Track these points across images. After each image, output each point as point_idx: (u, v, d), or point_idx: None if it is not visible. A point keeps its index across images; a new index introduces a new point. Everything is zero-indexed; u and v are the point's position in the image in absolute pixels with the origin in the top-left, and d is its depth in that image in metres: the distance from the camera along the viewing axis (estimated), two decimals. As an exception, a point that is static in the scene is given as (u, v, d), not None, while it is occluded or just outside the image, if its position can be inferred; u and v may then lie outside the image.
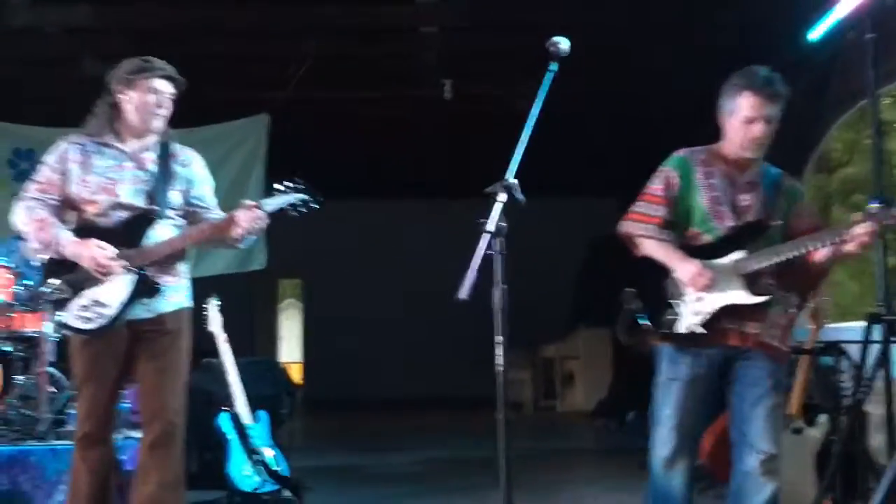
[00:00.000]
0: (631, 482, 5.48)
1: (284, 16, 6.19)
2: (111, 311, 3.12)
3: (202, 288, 4.91)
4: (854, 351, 3.90)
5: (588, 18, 6.08)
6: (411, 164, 9.75)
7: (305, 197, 3.13)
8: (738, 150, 2.99)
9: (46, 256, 3.19)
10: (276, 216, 3.19)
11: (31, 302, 4.70)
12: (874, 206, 2.88)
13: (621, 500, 4.89)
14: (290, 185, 3.13)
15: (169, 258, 3.21)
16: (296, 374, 12.33)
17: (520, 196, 2.32)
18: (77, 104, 3.37)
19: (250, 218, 3.08)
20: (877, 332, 3.62)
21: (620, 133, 8.62)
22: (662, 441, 2.96)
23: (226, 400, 4.61)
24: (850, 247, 2.78)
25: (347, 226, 11.46)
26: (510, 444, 2.35)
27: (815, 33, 5.64)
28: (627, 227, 3.10)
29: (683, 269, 2.92)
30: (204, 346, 4.81)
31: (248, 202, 3.12)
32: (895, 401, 3.67)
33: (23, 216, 3.18)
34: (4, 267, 4.67)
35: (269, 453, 4.57)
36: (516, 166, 2.37)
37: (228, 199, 3.39)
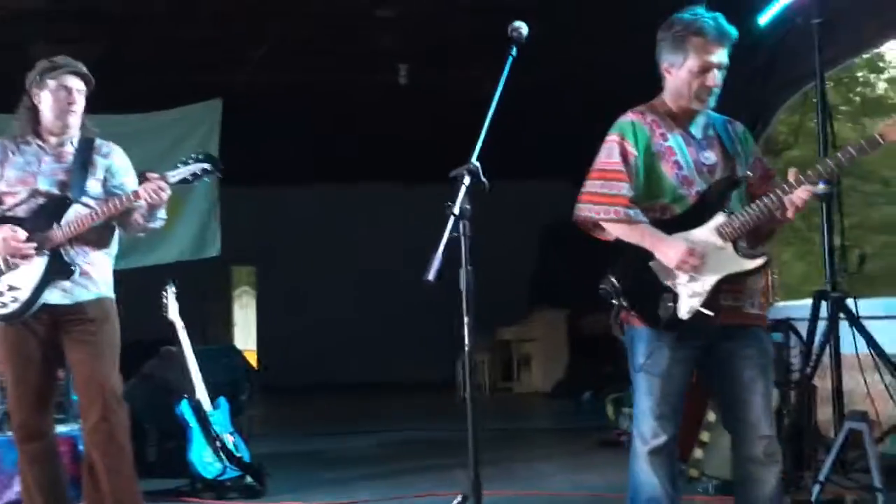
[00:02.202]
0: (590, 459, 5.61)
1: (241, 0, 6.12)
2: (25, 294, 3.21)
3: (158, 276, 4.89)
4: (802, 327, 4.02)
5: (538, 2, 6.10)
6: (366, 149, 9.72)
7: (206, 166, 3.27)
8: (687, 103, 2.69)
9: None
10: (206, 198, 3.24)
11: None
12: (822, 186, 2.70)
13: (582, 478, 4.98)
14: (193, 156, 3.29)
15: (84, 240, 3.28)
16: (252, 360, 12.26)
17: (483, 180, 2.35)
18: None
19: (152, 189, 3.18)
20: (823, 309, 3.77)
21: (570, 116, 8.70)
22: (647, 433, 2.70)
23: (186, 387, 4.59)
24: (788, 212, 2.60)
25: (301, 212, 11.41)
26: (477, 424, 2.39)
27: (764, 18, 5.76)
28: (586, 210, 2.72)
29: (668, 252, 2.60)
30: (162, 334, 4.79)
31: (153, 175, 3.23)
32: (842, 375, 3.83)
33: None
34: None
35: (230, 440, 4.57)
36: (479, 150, 2.40)
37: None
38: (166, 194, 3.20)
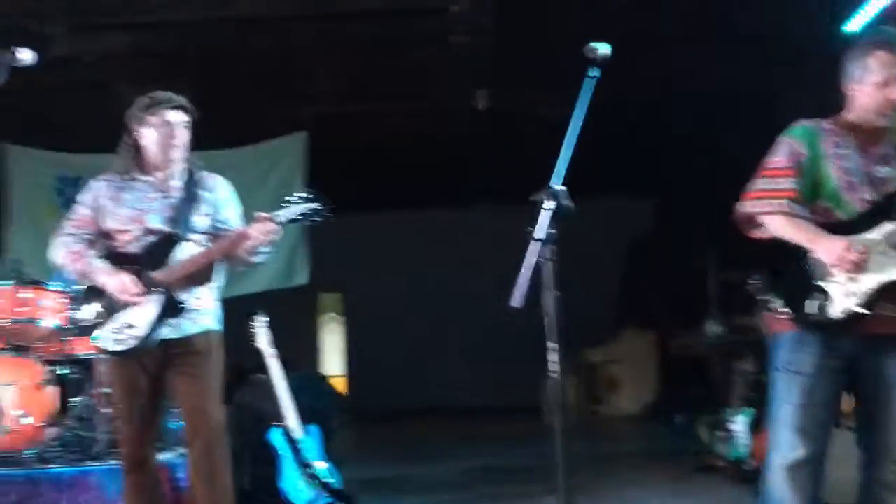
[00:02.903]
0: (685, 485, 5.44)
1: (313, 31, 6.25)
2: (140, 332, 3.28)
3: (247, 306, 5.00)
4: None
5: (620, 22, 6.05)
6: (448, 174, 9.78)
7: (316, 206, 3.25)
8: (870, 117, 2.71)
9: (84, 284, 3.40)
10: (295, 227, 3.27)
11: (83, 326, 4.80)
12: None
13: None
14: (301, 196, 3.26)
15: (193, 278, 3.34)
16: (340, 386, 12.40)
17: (567, 202, 2.33)
18: (115, 129, 3.50)
19: (261, 230, 3.21)
20: None
21: (658, 133, 8.57)
22: (784, 445, 2.61)
23: (276, 415, 4.66)
24: None
25: (386, 238, 11.52)
26: (566, 450, 2.35)
27: (852, 26, 5.56)
28: (749, 206, 2.73)
29: (827, 247, 2.57)
30: (252, 362, 4.89)
31: (261, 214, 3.24)
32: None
33: (60, 251, 3.41)
34: (60, 292, 4.79)
35: (321, 466, 4.61)
36: (562, 172, 2.38)
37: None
38: (275, 234, 3.23)
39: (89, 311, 3.36)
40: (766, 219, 2.70)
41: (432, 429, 9.57)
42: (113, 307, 3.31)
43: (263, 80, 7.20)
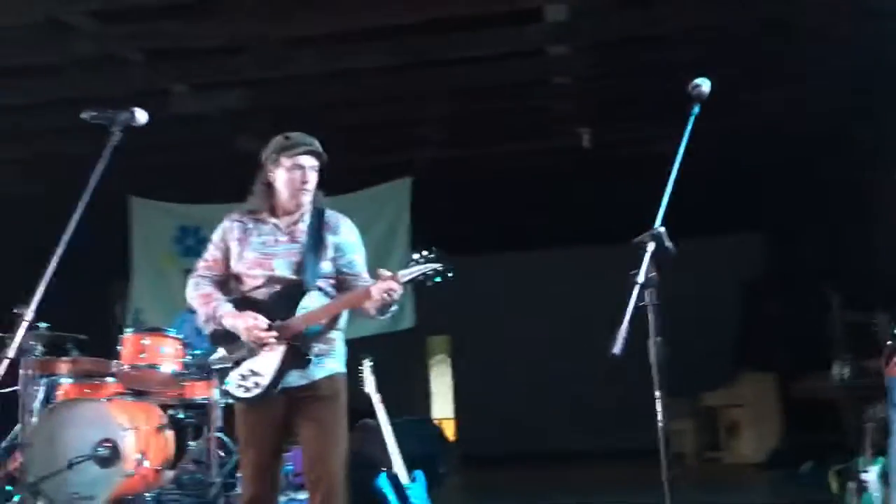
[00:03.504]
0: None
1: (418, 79, 6.38)
2: (265, 381, 3.27)
3: (355, 349, 5.05)
4: None
5: (720, 54, 5.91)
6: (554, 213, 9.72)
7: (439, 267, 3.18)
8: None
9: (212, 328, 3.39)
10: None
11: (200, 371, 4.97)
12: None
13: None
14: (426, 254, 3.20)
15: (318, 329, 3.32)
16: (449, 430, 12.36)
17: (669, 244, 2.25)
18: (233, 180, 3.60)
19: (384, 289, 3.15)
20: None
21: (761, 164, 8.27)
22: None
23: (384, 460, 4.66)
24: None
25: (494, 279, 11.49)
26: (677, 498, 2.24)
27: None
28: None
29: None
30: (360, 406, 4.92)
31: (385, 273, 3.18)
32: None
33: (191, 291, 3.43)
34: (175, 338, 4.98)
35: (428, 513, 4.57)
36: (663, 214, 2.30)
37: (376, 262, 3.46)
38: (398, 294, 3.18)
39: (215, 356, 3.39)
40: None
41: (543, 474, 9.37)
42: (240, 353, 3.31)
43: (372, 128, 7.38)
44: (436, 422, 8.69)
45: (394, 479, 4.59)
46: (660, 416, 2.20)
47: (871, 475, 5.07)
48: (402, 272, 3.18)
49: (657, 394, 2.17)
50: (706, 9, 5.50)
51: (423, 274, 3.17)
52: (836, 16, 5.57)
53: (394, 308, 3.28)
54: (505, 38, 5.77)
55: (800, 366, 8.55)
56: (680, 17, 5.55)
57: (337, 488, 3.28)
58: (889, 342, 2.59)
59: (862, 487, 5.16)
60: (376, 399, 4.73)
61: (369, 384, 4.74)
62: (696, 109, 2.44)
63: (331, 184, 3.47)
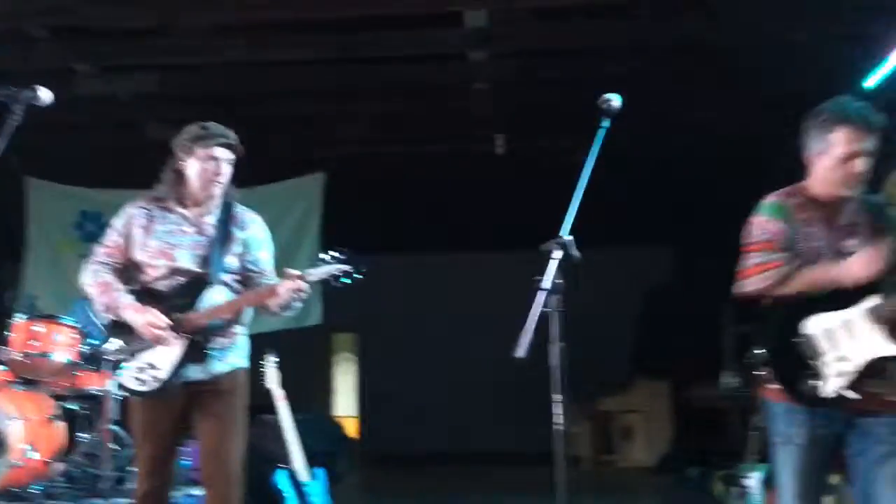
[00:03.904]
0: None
1: (339, 75, 6.35)
2: (163, 374, 3.21)
3: (259, 344, 4.99)
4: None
5: (636, 72, 6.11)
6: (465, 217, 9.81)
7: (348, 268, 3.16)
8: (833, 189, 2.73)
9: (109, 318, 3.31)
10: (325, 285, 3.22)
11: (95, 361, 4.82)
12: None
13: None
14: (335, 255, 3.17)
15: (219, 324, 3.27)
16: (351, 428, 12.32)
17: (575, 253, 2.32)
18: (141, 167, 3.51)
19: (291, 288, 3.12)
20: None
21: (671, 180, 8.58)
22: None
23: (283, 457, 4.62)
24: None
25: (402, 279, 11.51)
26: (571, 501, 2.31)
27: (871, 81, 5.57)
28: (750, 285, 2.76)
29: (852, 265, 2.60)
30: (261, 402, 4.87)
31: (292, 272, 3.15)
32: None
33: (88, 278, 3.32)
34: (71, 327, 4.81)
35: (326, 511, 4.56)
36: (571, 223, 2.37)
37: (284, 257, 3.44)
38: (305, 294, 3.15)
39: (111, 347, 3.29)
40: (782, 290, 2.70)
41: (443, 475, 9.45)
42: (137, 345, 3.24)
43: (286, 121, 7.30)
44: (338, 419, 8.63)
45: (293, 477, 4.55)
46: (559, 420, 2.26)
47: (753, 481, 5.33)
48: (309, 271, 3.15)
49: (557, 397, 2.24)
50: (621, 29, 5.68)
51: (332, 275, 3.15)
52: (748, 42, 5.84)
53: (298, 306, 3.26)
54: (429, 41, 5.81)
55: (693, 375, 8.89)
56: (596, 33, 5.71)
57: (234, 484, 3.24)
58: (762, 375, 2.75)
59: (745, 492, 5.42)
60: (278, 395, 4.69)
61: (272, 380, 4.69)
62: (607, 123, 2.52)
63: (243, 176, 3.41)
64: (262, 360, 4.71)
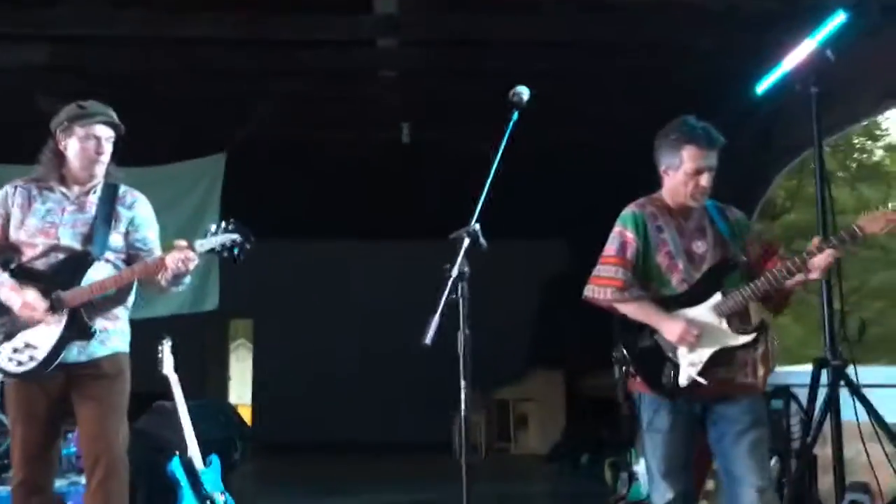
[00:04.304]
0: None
1: (246, 56, 6.22)
2: (42, 354, 3.13)
3: (155, 329, 4.85)
4: (802, 394, 3.98)
5: (542, 67, 6.23)
6: (368, 205, 9.78)
7: (237, 237, 3.13)
8: (683, 200, 3.07)
9: None
10: (220, 258, 3.19)
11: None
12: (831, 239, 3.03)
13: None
14: (223, 225, 3.15)
15: (105, 301, 3.21)
16: (246, 416, 12.12)
17: (482, 242, 2.36)
18: (31, 141, 3.37)
19: (179, 258, 3.08)
20: (824, 377, 3.73)
21: (569, 176, 8.79)
22: (657, 490, 3.00)
23: (178, 444, 4.52)
24: (814, 275, 2.94)
25: (302, 266, 11.40)
26: (471, 489, 2.35)
27: (762, 87, 5.85)
28: (589, 291, 3.11)
29: (669, 328, 2.97)
30: (156, 388, 4.74)
31: (181, 242, 3.12)
32: (843, 444, 3.77)
33: None
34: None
35: (220, 498, 4.48)
36: (479, 212, 2.41)
37: (183, 237, 3.36)
38: (193, 264, 3.10)
39: None
40: (612, 304, 3.04)
41: (339, 464, 9.43)
42: (14, 325, 3.14)
43: (187, 100, 7.09)
44: (233, 406, 8.48)
45: (187, 463, 4.46)
46: (463, 406, 2.30)
47: (640, 466, 5.55)
48: (198, 242, 3.13)
49: (462, 383, 2.27)
50: (529, 24, 5.77)
51: (221, 245, 3.13)
52: (654, 48, 6.04)
53: (186, 280, 3.23)
54: (340, 26, 5.75)
55: (586, 364, 9.15)
56: (504, 27, 5.78)
57: (118, 468, 3.17)
58: (623, 365, 3.07)
59: (633, 478, 5.64)
60: (173, 380, 4.57)
61: (167, 365, 4.58)
62: (515, 116, 2.57)
63: (143, 155, 3.33)
64: (159, 345, 4.59)
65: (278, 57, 6.22)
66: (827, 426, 3.71)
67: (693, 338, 2.93)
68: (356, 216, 10.30)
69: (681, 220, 3.09)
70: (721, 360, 2.97)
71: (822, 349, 3.79)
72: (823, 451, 3.91)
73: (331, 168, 8.72)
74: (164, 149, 7.30)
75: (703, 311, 2.99)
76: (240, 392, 15.16)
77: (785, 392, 4.37)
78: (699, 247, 3.06)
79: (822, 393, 3.72)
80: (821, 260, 2.91)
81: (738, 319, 3.00)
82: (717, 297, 2.98)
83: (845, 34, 4.73)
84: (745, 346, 3.00)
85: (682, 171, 3.02)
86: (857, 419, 3.63)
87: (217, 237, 3.12)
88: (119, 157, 3.31)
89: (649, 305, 3.01)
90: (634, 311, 3.02)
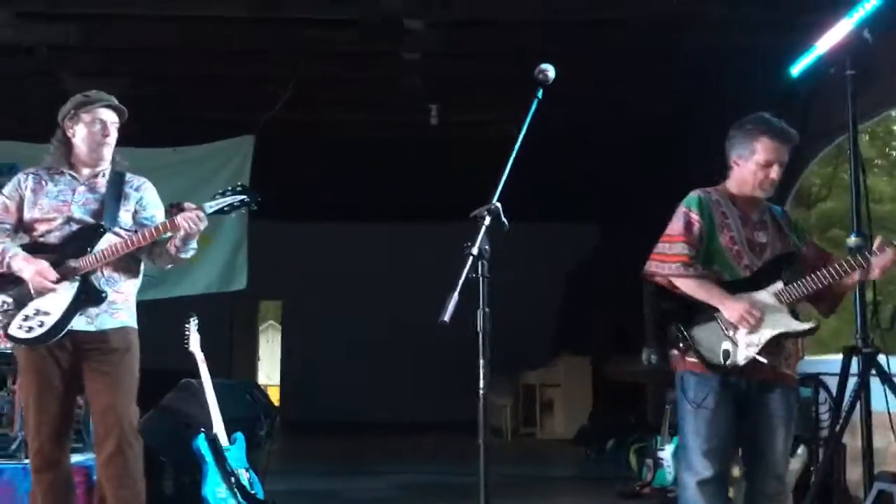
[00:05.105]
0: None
1: (272, 38, 6.21)
2: (53, 319, 3.21)
3: (184, 308, 4.90)
4: (832, 383, 3.91)
5: (572, 47, 6.15)
6: (396, 187, 9.77)
7: (244, 198, 3.29)
8: (750, 190, 3.13)
9: None
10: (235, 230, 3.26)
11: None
12: (853, 239, 3.21)
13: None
14: (231, 188, 3.31)
15: (114, 268, 3.31)
16: (273, 396, 12.23)
17: (504, 220, 2.33)
18: (56, 120, 3.43)
19: (190, 218, 3.20)
20: (854, 365, 3.66)
21: (604, 160, 8.69)
22: (697, 466, 3.02)
23: (204, 421, 4.56)
24: (875, 274, 3.03)
25: (330, 248, 11.44)
26: (490, 470, 2.34)
27: (797, 68, 5.72)
28: (651, 267, 3.14)
29: (732, 307, 3.00)
30: (183, 366, 4.79)
31: (189, 205, 3.25)
32: (872, 433, 3.70)
33: None
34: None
35: (245, 476, 4.52)
36: (500, 191, 2.38)
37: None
38: (203, 224, 3.23)
39: None
40: (675, 280, 3.08)
41: (366, 443, 9.49)
42: (25, 296, 3.23)
43: (216, 81, 7.11)
44: (260, 386, 8.55)
45: (213, 441, 4.50)
46: (481, 384, 2.28)
47: (666, 453, 5.51)
48: (207, 203, 3.26)
49: (481, 362, 2.25)
50: (554, 3, 5.69)
51: (230, 205, 3.27)
52: (689, 28, 5.94)
53: (193, 245, 3.33)
54: (363, 4, 5.72)
55: (613, 350, 9.10)
56: (527, 7, 5.70)
57: (130, 441, 3.23)
58: (681, 346, 3.10)
59: (658, 464, 5.60)
60: (200, 358, 4.61)
61: (194, 343, 4.62)
62: (540, 94, 2.53)
63: (167, 135, 3.38)
64: (185, 322, 4.63)
65: (306, 39, 6.20)
66: (856, 415, 3.65)
67: (755, 319, 2.97)
68: (384, 198, 10.31)
69: (745, 210, 3.15)
70: (772, 347, 3.02)
71: (854, 339, 3.73)
72: (852, 441, 3.85)
73: (359, 151, 8.71)
74: (189, 129, 7.34)
75: (764, 296, 3.04)
76: (269, 372, 15.33)
77: (815, 380, 4.30)
78: (760, 237, 3.14)
79: (852, 382, 3.67)
80: (883, 259, 2.98)
81: (795, 310, 3.08)
82: (779, 284, 3.05)
83: (884, 14, 4.60)
84: (795, 335, 3.07)
85: (753, 161, 3.09)
86: (889, 408, 3.57)
87: (225, 198, 3.27)
88: (145, 139, 3.39)
89: (712, 284, 3.05)
90: (696, 288, 3.05)
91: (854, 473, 3.95)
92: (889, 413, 3.59)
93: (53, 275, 3.22)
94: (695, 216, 3.10)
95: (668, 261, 3.08)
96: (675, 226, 3.12)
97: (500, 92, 6.71)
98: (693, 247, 3.07)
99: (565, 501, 6.02)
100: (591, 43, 6.22)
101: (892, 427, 3.72)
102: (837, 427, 3.72)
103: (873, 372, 3.58)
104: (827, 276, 2.99)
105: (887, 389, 3.56)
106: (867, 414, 3.67)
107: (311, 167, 9.06)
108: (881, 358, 3.61)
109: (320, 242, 11.45)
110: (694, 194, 3.16)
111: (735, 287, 3.06)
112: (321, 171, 9.23)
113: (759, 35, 5.85)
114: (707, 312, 3.04)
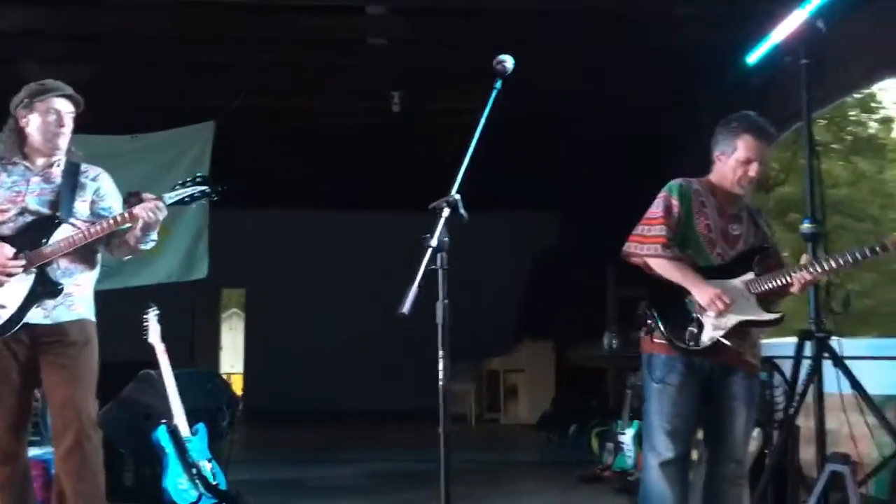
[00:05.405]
0: (571, 496, 5.55)
1: (235, 24, 6.13)
2: (8, 313, 3.17)
3: (143, 297, 4.84)
4: (786, 366, 3.99)
5: (533, 37, 6.16)
6: (358, 175, 9.73)
7: (204, 188, 3.27)
8: (729, 185, 3.22)
9: None
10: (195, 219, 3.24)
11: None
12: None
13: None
14: (190, 178, 3.29)
15: (71, 260, 3.26)
16: (237, 385, 12.16)
17: (462, 212, 2.34)
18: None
19: (149, 208, 3.17)
20: (808, 349, 3.74)
21: (563, 149, 8.74)
22: (659, 447, 3.09)
23: (164, 412, 4.53)
24: (795, 289, 3.12)
25: (292, 236, 11.38)
26: (451, 458, 2.36)
27: (753, 57, 5.80)
28: (629, 248, 3.22)
29: (704, 291, 3.08)
30: (143, 357, 4.74)
31: (149, 195, 3.22)
32: (825, 416, 3.79)
33: None
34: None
35: (207, 467, 4.50)
36: (460, 182, 2.39)
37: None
38: (162, 214, 3.19)
39: None
40: (651, 260, 3.16)
41: (332, 431, 9.48)
42: None
43: (176, 68, 7.00)
44: (222, 375, 8.50)
45: (173, 432, 4.47)
46: (441, 375, 2.30)
47: (626, 437, 5.59)
48: (166, 194, 3.23)
49: (440, 353, 2.27)
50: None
51: (190, 196, 3.25)
52: (644, 18, 5.97)
53: (153, 236, 3.30)
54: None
55: (576, 336, 9.19)
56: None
57: (89, 434, 3.20)
58: (648, 321, 3.19)
59: (618, 448, 5.67)
60: (160, 349, 4.57)
61: (153, 333, 4.57)
62: (499, 84, 2.54)
63: (129, 121, 3.33)
64: (145, 312, 4.58)
65: (269, 25, 6.13)
66: (810, 397, 3.74)
67: (724, 305, 3.04)
68: (347, 186, 10.26)
69: (722, 203, 3.24)
70: (739, 334, 3.10)
71: (808, 322, 3.81)
72: (806, 423, 3.94)
73: (321, 137, 8.65)
74: (149, 115, 7.23)
75: (736, 284, 3.12)
76: (232, 361, 15.21)
77: (769, 364, 4.38)
78: (735, 229, 3.23)
79: (805, 365, 3.75)
80: (800, 276, 3.09)
81: (762, 301, 3.15)
82: (750, 275, 3.14)
83: (837, 4, 4.68)
84: (760, 324, 3.16)
85: (734, 158, 3.18)
86: (840, 391, 3.65)
87: (185, 189, 3.24)
88: (103, 127, 3.33)
89: (687, 267, 3.13)
90: (671, 269, 3.13)
91: (807, 454, 4.03)
92: (841, 395, 3.69)
93: (9, 251, 3.15)
94: (675, 201, 3.19)
95: (646, 242, 3.16)
96: (656, 209, 3.20)
97: (464, 80, 6.70)
98: (671, 230, 3.15)
99: (528, 486, 6.09)
100: (563, 34, 6.24)
101: (843, 409, 3.84)
102: (791, 409, 3.82)
103: (826, 355, 3.67)
104: (784, 278, 3.11)
105: (840, 372, 3.66)
106: (820, 396, 3.77)
107: (272, 154, 8.98)
108: (834, 341, 3.70)
109: (283, 230, 11.39)
110: (675, 181, 3.25)
111: (709, 273, 3.15)
112: (283, 159, 9.16)
113: (714, 25, 5.92)
114: (678, 294, 3.12)
